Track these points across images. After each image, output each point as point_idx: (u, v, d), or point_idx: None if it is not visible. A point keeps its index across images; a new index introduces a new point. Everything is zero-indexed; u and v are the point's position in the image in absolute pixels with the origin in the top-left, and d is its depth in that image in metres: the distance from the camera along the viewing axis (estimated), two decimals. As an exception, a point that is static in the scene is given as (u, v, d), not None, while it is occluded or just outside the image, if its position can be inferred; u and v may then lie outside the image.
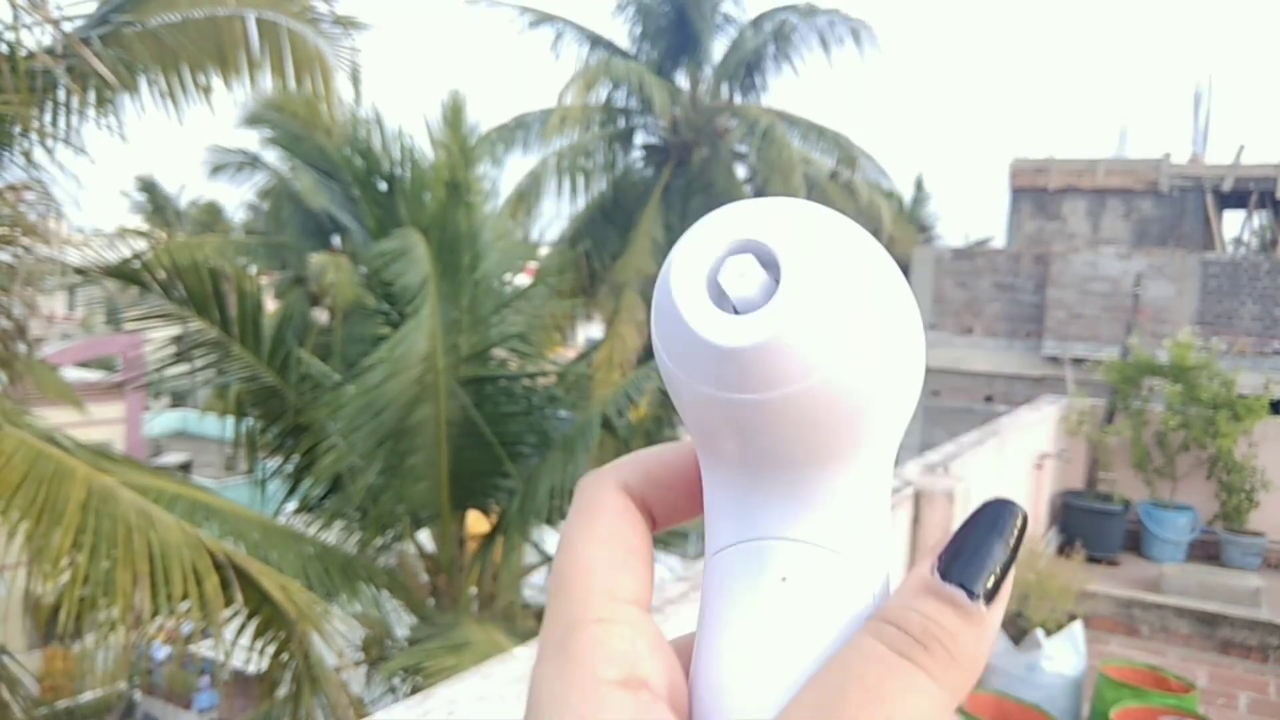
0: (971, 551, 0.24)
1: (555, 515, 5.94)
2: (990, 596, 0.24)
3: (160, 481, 4.47)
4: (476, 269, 5.91)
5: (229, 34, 4.49)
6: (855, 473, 0.25)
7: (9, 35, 3.64)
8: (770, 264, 0.23)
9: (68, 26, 4.13)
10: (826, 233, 0.23)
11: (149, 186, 19.93)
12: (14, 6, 3.55)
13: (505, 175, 12.67)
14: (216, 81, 4.53)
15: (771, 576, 0.26)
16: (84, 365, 15.91)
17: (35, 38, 3.76)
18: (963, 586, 0.24)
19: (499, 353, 6.16)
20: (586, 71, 12.17)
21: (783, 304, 0.22)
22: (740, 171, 13.14)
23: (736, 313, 0.23)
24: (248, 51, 4.52)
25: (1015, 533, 0.25)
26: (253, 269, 11.80)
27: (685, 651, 0.28)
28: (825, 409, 0.23)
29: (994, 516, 0.25)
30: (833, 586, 0.26)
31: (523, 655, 1.67)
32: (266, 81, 4.69)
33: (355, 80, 4.91)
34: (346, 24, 4.93)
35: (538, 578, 6.81)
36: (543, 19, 12.83)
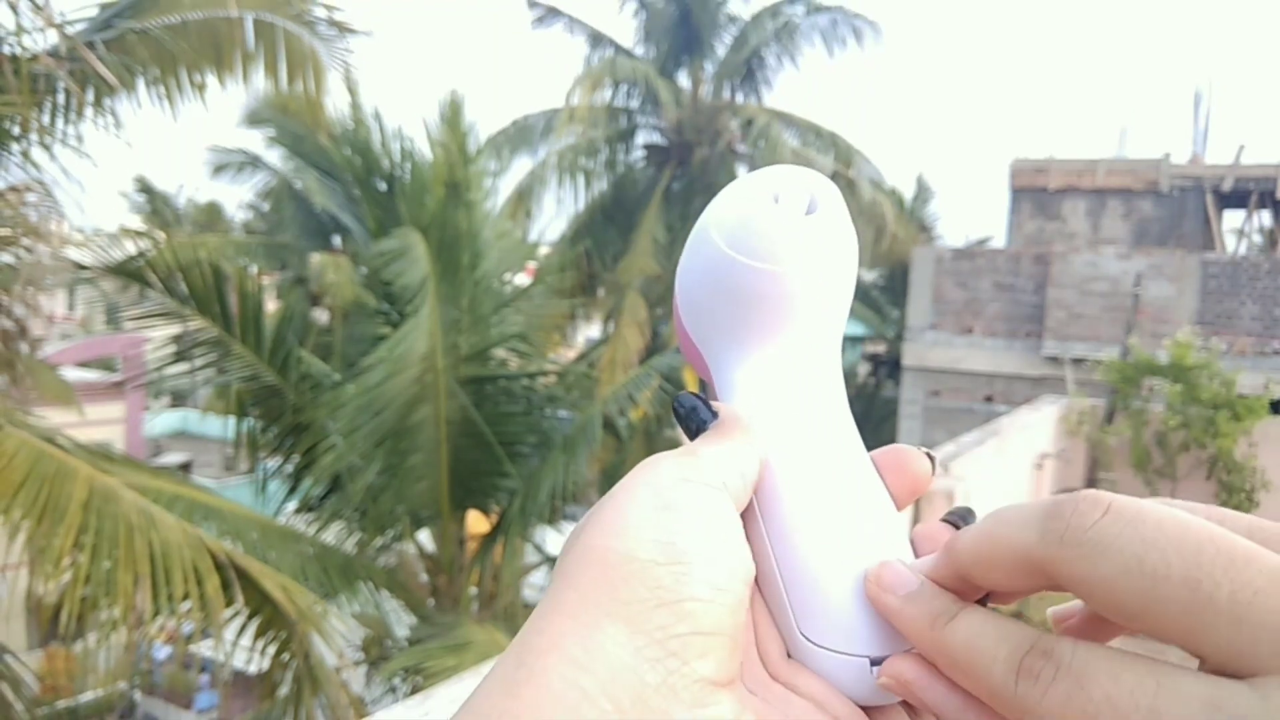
0: None
1: (555, 515, 5.94)
2: None
3: (161, 481, 4.47)
4: (476, 269, 5.92)
5: (226, 34, 4.50)
6: (831, 343, 0.36)
7: (11, 39, 3.65)
8: (810, 198, 0.34)
9: (73, 28, 4.14)
10: (837, 193, 0.35)
11: (148, 187, 19.94)
12: (14, 10, 3.55)
13: (508, 177, 12.67)
14: (212, 80, 4.54)
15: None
16: (84, 365, 15.91)
17: (36, 41, 3.77)
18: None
19: (499, 352, 6.16)
20: (593, 71, 12.18)
21: (822, 218, 0.34)
22: (742, 171, 13.13)
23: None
24: (243, 50, 4.53)
25: None
26: (253, 269, 11.80)
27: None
28: (827, 285, 0.34)
29: None
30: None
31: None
32: (260, 79, 4.70)
33: (350, 82, 4.93)
34: (342, 28, 4.94)
35: (538, 577, 6.81)
36: (549, 14, 12.83)
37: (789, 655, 0.32)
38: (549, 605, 0.27)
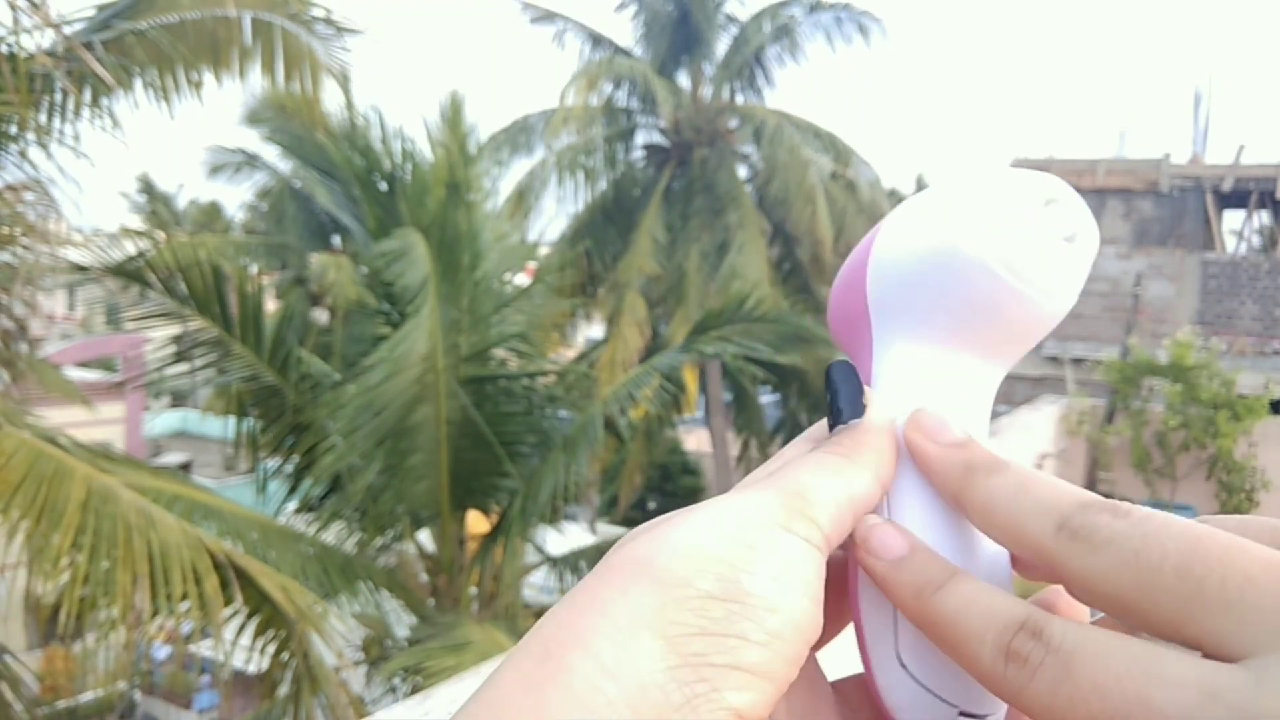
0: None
1: (556, 515, 5.94)
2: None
3: (160, 481, 4.47)
4: (476, 269, 5.91)
5: (224, 34, 4.51)
6: (1008, 368, 0.35)
7: (10, 38, 3.65)
8: (1075, 224, 0.32)
9: (71, 28, 4.14)
10: (1092, 218, 0.33)
11: (148, 187, 19.94)
12: (14, 9, 3.55)
13: (508, 178, 12.66)
14: (210, 79, 4.54)
15: None
16: (84, 365, 15.92)
17: (35, 40, 3.77)
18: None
19: (499, 352, 6.16)
20: (589, 70, 12.17)
21: (1082, 250, 0.31)
22: (742, 172, 13.14)
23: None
24: (241, 49, 4.53)
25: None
26: (253, 269, 11.80)
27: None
28: (1051, 324, 0.33)
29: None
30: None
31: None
32: (257, 77, 4.71)
33: (346, 81, 4.93)
34: (340, 27, 4.95)
35: (538, 577, 6.81)
36: (544, 16, 12.83)
37: (867, 677, 0.31)
38: (582, 598, 0.26)
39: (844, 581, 0.32)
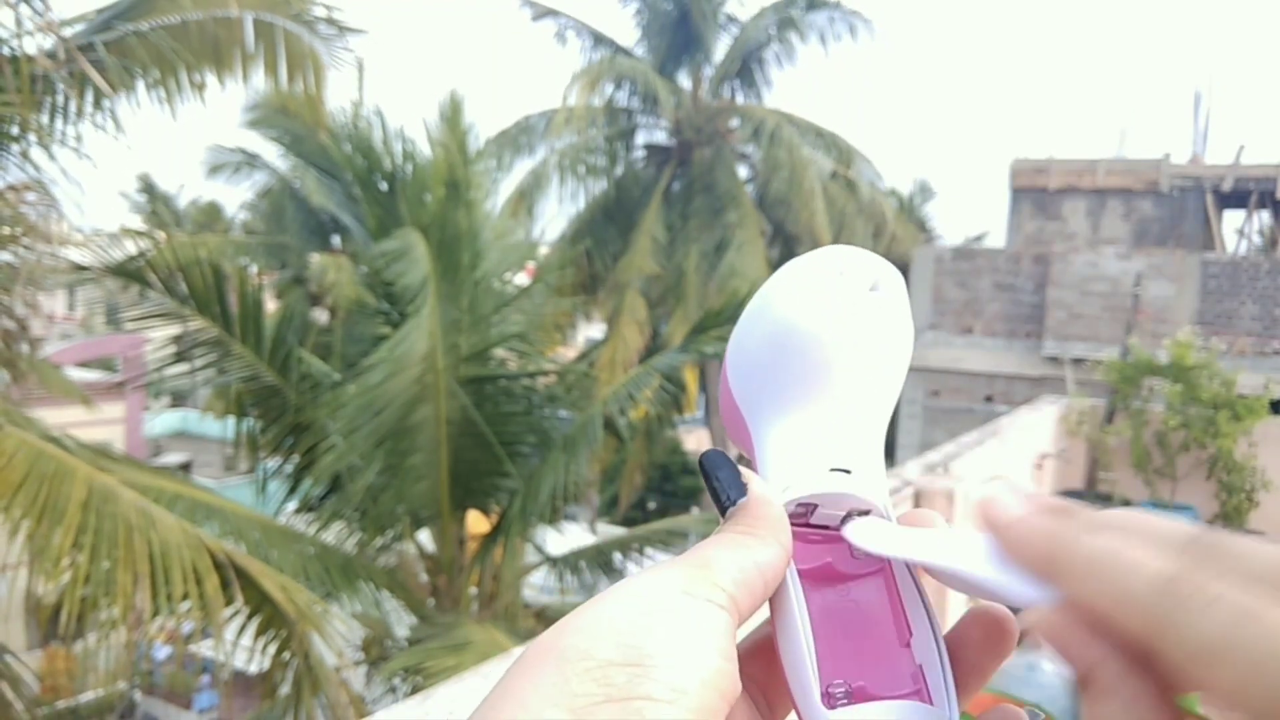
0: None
1: (556, 515, 5.94)
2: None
3: (161, 481, 4.47)
4: (476, 268, 5.91)
5: (226, 34, 4.51)
6: (879, 427, 0.37)
7: (11, 41, 3.65)
8: (876, 278, 0.36)
9: (73, 29, 4.15)
10: (899, 278, 0.36)
11: (149, 187, 19.93)
12: (14, 10, 3.56)
13: (510, 178, 12.69)
14: (211, 80, 4.54)
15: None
16: (84, 365, 15.92)
17: (37, 42, 3.77)
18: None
19: (499, 352, 6.16)
20: (590, 69, 12.18)
21: (885, 296, 0.35)
22: (742, 172, 13.14)
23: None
24: (243, 50, 4.54)
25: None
26: (253, 269, 11.80)
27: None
28: (885, 362, 0.36)
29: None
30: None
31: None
32: (260, 78, 4.71)
33: (356, 79, 4.94)
34: (341, 27, 4.95)
35: (538, 578, 6.81)
36: (545, 13, 12.83)
37: None
38: (497, 693, 0.27)
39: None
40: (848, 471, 0.35)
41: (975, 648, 0.33)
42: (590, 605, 0.29)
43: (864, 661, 0.33)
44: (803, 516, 0.35)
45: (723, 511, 0.33)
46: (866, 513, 0.35)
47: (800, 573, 0.34)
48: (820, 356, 0.35)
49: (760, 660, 0.34)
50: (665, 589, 0.29)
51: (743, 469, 0.34)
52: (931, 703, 0.32)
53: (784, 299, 0.35)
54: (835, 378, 0.35)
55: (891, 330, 0.35)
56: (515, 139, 12.71)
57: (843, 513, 0.35)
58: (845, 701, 0.32)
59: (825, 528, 0.36)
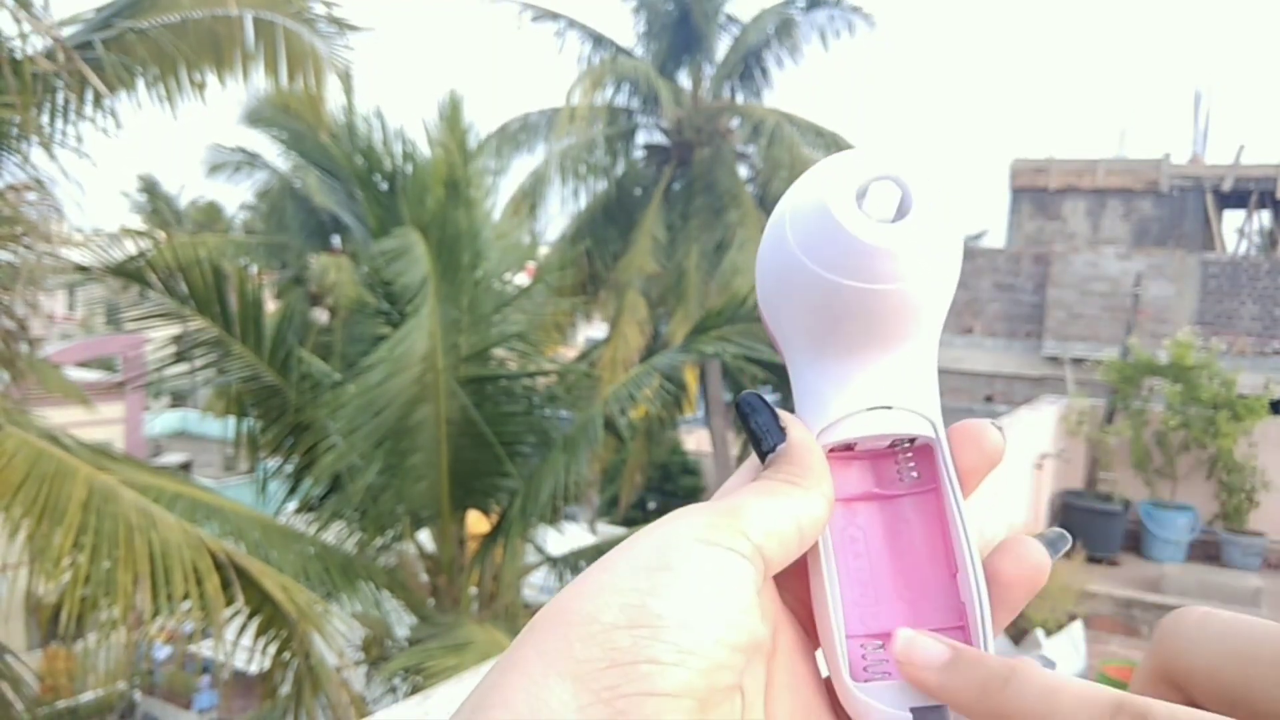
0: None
1: (556, 515, 5.94)
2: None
3: (161, 481, 4.47)
4: (477, 268, 5.91)
5: (226, 33, 4.50)
6: (925, 352, 0.34)
7: (11, 42, 3.65)
8: (903, 194, 0.30)
9: (72, 28, 4.14)
10: (939, 182, 0.31)
11: (149, 187, 19.92)
12: (11, 12, 3.55)
13: (510, 176, 12.68)
14: (212, 79, 4.54)
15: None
16: (84, 365, 15.91)
17: (36, 42, 3.76)
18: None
19: (499, 352, 6.16)
20: (593, 70, 12.18)
21: (916, 222, 0.30)
22: (743, 171, 13.14)
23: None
24: (243, 49, 4.53)
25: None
26: (253, 269, 11.80)
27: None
28: (924, 298, 0.31)
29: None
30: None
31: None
32: (260, 78, 4.70)
33: (348, 80, 4.93)
34: (342, 25, 4.94)
35: (538, 577, 6.81)
36: (544, 15, 12.83)
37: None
38: (507, 661, 0.27)
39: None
40: (889, 408, 0.33)
41: (1006, 582, 0.32)
42: (600, 563, 0.28)
43: (909, 588, 0.32)
44: (844, 447, 0.33)
45: (762, 457, 0.32)
46: (913, 440, 0.33)
47: (844, 500, 0.33)
48: (845, 307, 0.31)
49: (804, 579, 0.33)
50: (681, 539, 0.28)
51: (781, 412, 0.33)
52: (971, 641, 0.31)
53: (795, 238, 0.31)
54: (867, 324, 0.31)
55: (928, 260, 0.30)
56: (515, 135, 12.71)
57: (887, 443, 0.33)
58: (882, 661, 0.31)
59: (871, 450, 0.34)
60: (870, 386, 0.33)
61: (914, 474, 0.34)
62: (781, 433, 0.32)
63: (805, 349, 0.33)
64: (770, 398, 0.34)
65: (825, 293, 0.31)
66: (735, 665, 0.27)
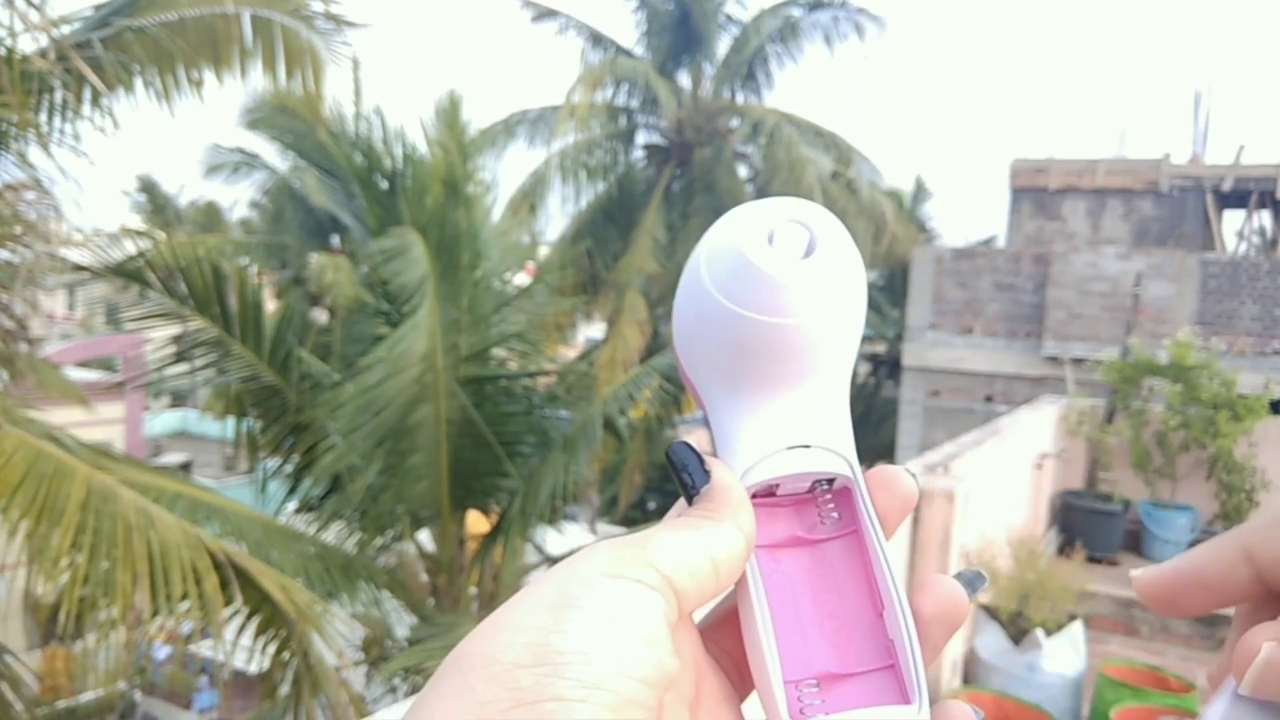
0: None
1: (556, 515, 5.93)
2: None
3: (160, 481, 4.47)
4: (476, 268, 5.91)
5: (224, 31, 4.50)
6: (837, 391, 0.35)
7: (8, 40, 3.64)
8: (810, 237, 0.32)
9: (70, 27, 4.14)
10: (841, 228, 0.33)
11: (149, 186, 19.92)
12: (13, 10, 3.55)
13: (505, 169, 12.75)
14: (210, 77, 4.53)
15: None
16: (84, 365, 15.90)
17: (34, 40, 3.76)
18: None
19: (499, 352, 6.16)
20: (593, 70, 12.18)
21: (822, 259, 0.32)
22: (743, 171, 13.13)
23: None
24: (241, 47, 4.52)
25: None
26: (253, 269, 11.80)
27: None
28: (833, 332, 0.33)
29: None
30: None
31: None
32: (258, 75, 4.70)
33: (355, 76, 4.92)
34: (340, 21, 4.93)
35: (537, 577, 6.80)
36: (545, 14, 12.82)
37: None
38: (413, 713, 0.26)
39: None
40: (807, 446, 0.33)
41: (927, 620, 0.32)
42: (505, 605, 0.28)
43: (837, 631, 0.32)
44: (767, 492, 0.34)
45: (690, 502, 0.32)
46: (831, 481, 0.34)
47: (769, 546, 0.33)
48: (758, 341, 0.32)
49: (730, 629, 0.33)
50: (586, 573, 0.28)
51: (707, 457, 0.33)
52: (902, 678, 0.31)
53: (710, 278, 0.32)
54: (780, 358, 0.32)
55: (834, 295, 0.32)
56: (512, 129, 12.71)
57: (808, 484, 0.34)
58: (817, 703, 0.31)
59: (793, 494, 0.34)
60: (787, 426, 0.34)
61: (835, 515, 0.34)
62: (706, 475, 0.32)
63: (721, 391, 0.34)
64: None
65: (738, 328, 0.32)
66: (645, 700, 0.26)
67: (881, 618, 0.32)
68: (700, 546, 0.29)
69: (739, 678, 0.33)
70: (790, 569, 0.33)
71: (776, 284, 0.31)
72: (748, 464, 0.33)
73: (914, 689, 0.30)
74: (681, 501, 0.33)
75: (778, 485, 0.34)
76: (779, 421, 0.33)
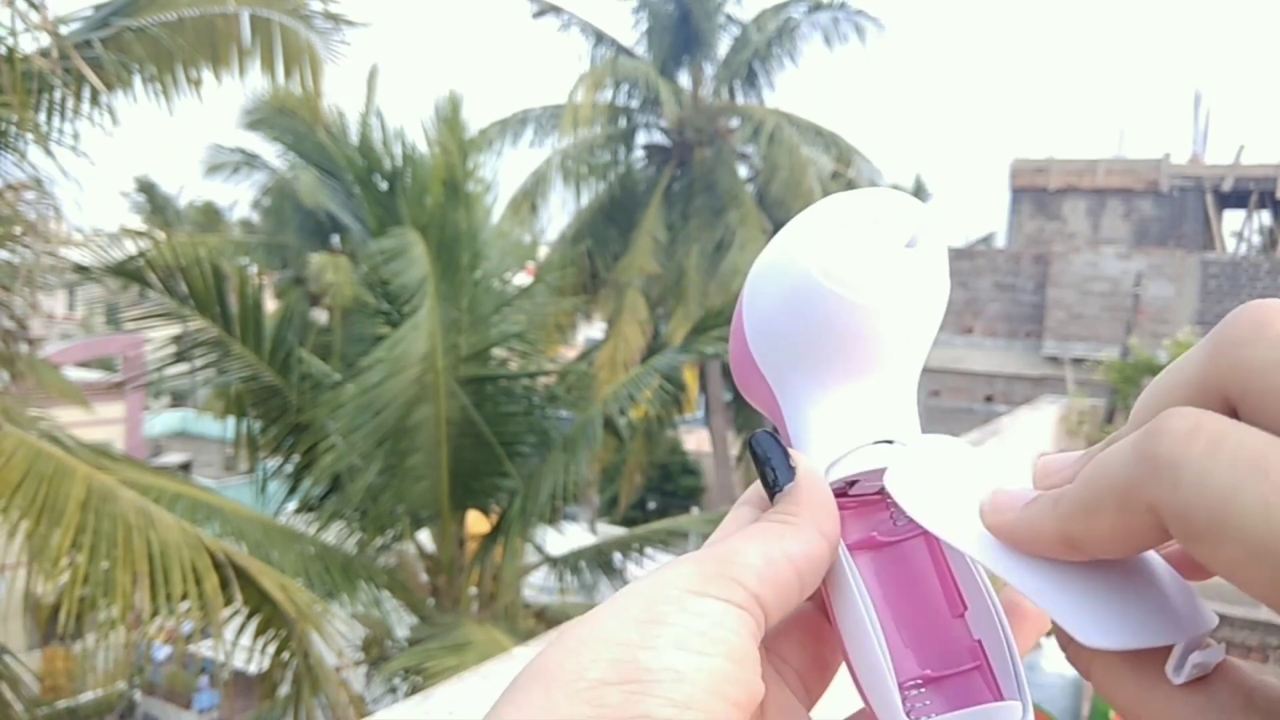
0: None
1: (556, 515, 5.94)
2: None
3: (160, 481, 4.47)
4: (476, 268, 5.91)
5: (223, 30, 4.50)
6: (913, 386, 0.34)
7: (8, 39, 3.65)
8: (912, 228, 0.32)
9: (70, 26, 4.14)
10: (938, 222, 0.33)
11: (147, 187, 19.93)
12: (13, 9, 3.55)
13: (504, 168, 12.79)
14: (209, 77, 4.54)
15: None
16: (84, 365, 15.91)
17: (34, 40, 3.76)
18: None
19: (499, 352, 6.16)
20: (595, 70, 12.18)
21: (924, 251, 0.32)
22: (743, 171, 13.14)
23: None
24: (240, 46, 4.53)
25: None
26: (253, 269, 11.80)
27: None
28: (921, 325, 0.33)
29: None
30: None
31: (522, 655, 1.67)
32: (256, 74, 4.70)
33: (374, 79, 4.93)
34: (339, 20, 4.93)
35: (538, 578, 6.81)
36: (546, 9, 12.82)
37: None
38: None
39: (824, 633, 0.32)
40: (891, 442, 0.33)
41: (1021, 614, 0.31)
42: (587, 617, 0.27)
43: (919, 633, 0.31)
44: (841, 491, 0.33)
45: (772, 497, 0.31)
46: None
47: (849, 548, 0.31)
48: (856, 326, 0.31)
49: (793, 641, 0.32)
50: (671, 590, 0.27)
51: (792, 451, 0.32)
52: (995, 676, 0.30)
53: (809, 255, 0.32)
54: (873, 346, 0.32)
55: (930, 288, 0.32)
56: (513, 128, 12.72)
57: (881, 483, 0.32)
58: (925, 704, 0.29)
59: (864, 495, 0.33)
60: (869, 420, 0.33)
61: (906, 517, 0.32)
62: (791, 472, 0.31)
63: (804, 380, 0.33)
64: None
65: (834, 309, 0.31)
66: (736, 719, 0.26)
67: (961, 618, 0.31)
68: (785, 559, 0.29)
69: (802, 688, 0.32)
70: (865, 571, 0.32)
71: (881, 268, 0.31)
72: (831, 458, 0.32)
73: (1011, 686, 0.29)
74: (755, 488, 0.32)
75: (855, 482, 0.33)
76: (862, 414, 0.33)
